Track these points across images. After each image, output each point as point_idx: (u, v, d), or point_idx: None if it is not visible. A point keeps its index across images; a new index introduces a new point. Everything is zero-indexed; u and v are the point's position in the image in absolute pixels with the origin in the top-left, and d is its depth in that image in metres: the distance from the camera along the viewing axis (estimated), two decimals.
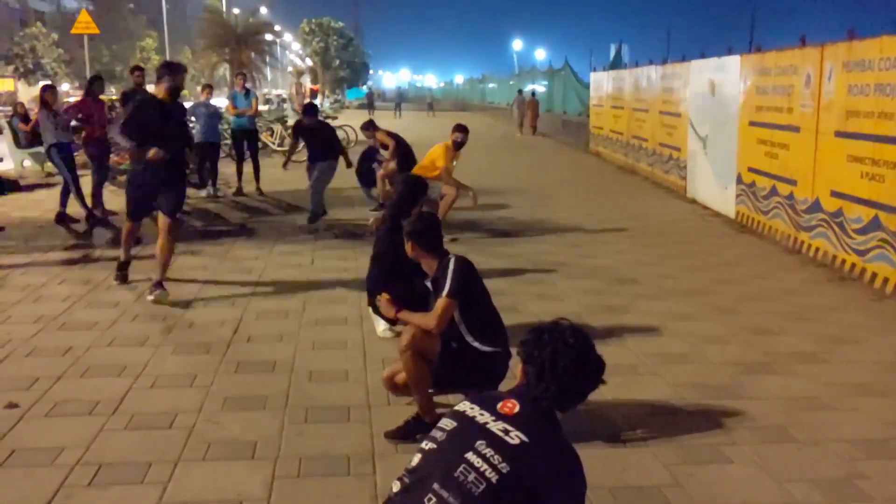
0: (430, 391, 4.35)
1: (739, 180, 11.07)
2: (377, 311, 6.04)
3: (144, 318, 6.57)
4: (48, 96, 10.98)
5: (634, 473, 4.03)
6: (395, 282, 5.70)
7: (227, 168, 15.20)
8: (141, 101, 7.41)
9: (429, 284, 4.43)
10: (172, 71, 7.26)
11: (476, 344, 4.29)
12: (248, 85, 14.47)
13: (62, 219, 10.72)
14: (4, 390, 4.99)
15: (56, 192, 11.35)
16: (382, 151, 11.87)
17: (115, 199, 12.48)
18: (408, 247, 4.47)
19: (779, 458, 4.17)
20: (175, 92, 7.23)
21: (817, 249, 8.77)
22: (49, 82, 12.46)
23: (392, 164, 11.08)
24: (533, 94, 33.18)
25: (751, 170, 10.68)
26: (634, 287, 7.62)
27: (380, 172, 11.44)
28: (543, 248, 9.41)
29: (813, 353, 5.79)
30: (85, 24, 20.01)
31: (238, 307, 6.88)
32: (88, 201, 10.93)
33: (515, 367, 2.65)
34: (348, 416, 4.68)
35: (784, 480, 3.95)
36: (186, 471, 4.01)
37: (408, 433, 4.31)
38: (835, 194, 8.44)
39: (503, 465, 2.29)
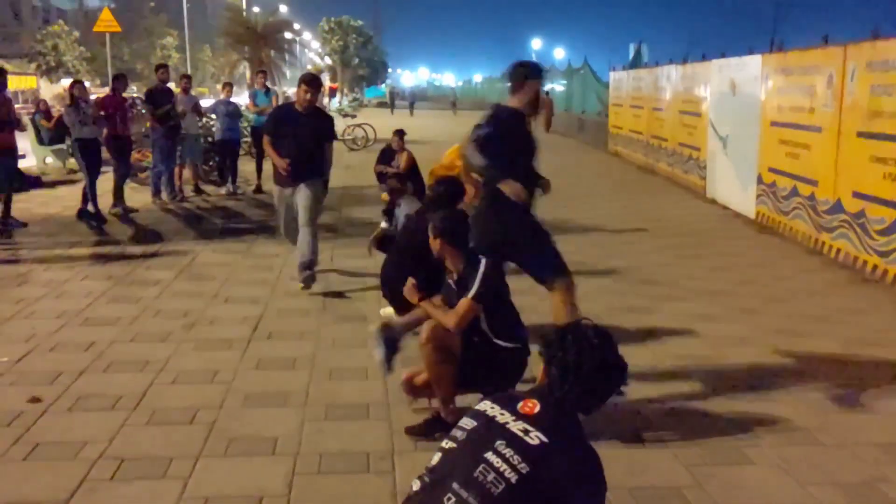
0: (453, 386, 4.33)
1: (760, 180, 10.99)
2: (394, 300, 5.99)
3: (166, 314, 6.61)
4: (78, 91, 11.03)
5: (655, 474, 4.01)
6: (416, 276, 5.69)
7: (246, 166, 15.25)
8: (506, 119, 5.11)
9: (451, 283, 4.42)
10: (536, 74, 5.14)
11: (497, 340, 4.29)
12: (268, 83, 14.54)
13: (83, 215, 10.81)
14: (28, 384, 5.04)
15: (78, 189, 11.44)
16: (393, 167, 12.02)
17: (135, 195, 12.58)
18: (434, 244, 4.39)
19: (802, 461, 4.14)
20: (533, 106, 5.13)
21: (839, 251, 8.70)
22: (74, 79, 12.51)
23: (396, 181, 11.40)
24: (546, 93, 33.25)
25: (771, 170, 10.60)
26: (656, 288, 7.59)
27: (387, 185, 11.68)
28: (563, 248, 9.18)
29: (837, 356, 5.74)
30: (107, 22, 20.13)
31: (259, 304, 6.90)
32: (109, 198, 11.01)
33: (535, 367, 2.64)
34: (368, 413, 4.69)
35: (807, 483, 3.92)
36: (207, 466, 4.04)
37: (428, 431, 4.31)
38: (857, 195, 8.36)
39: (523, 465, 2.28)
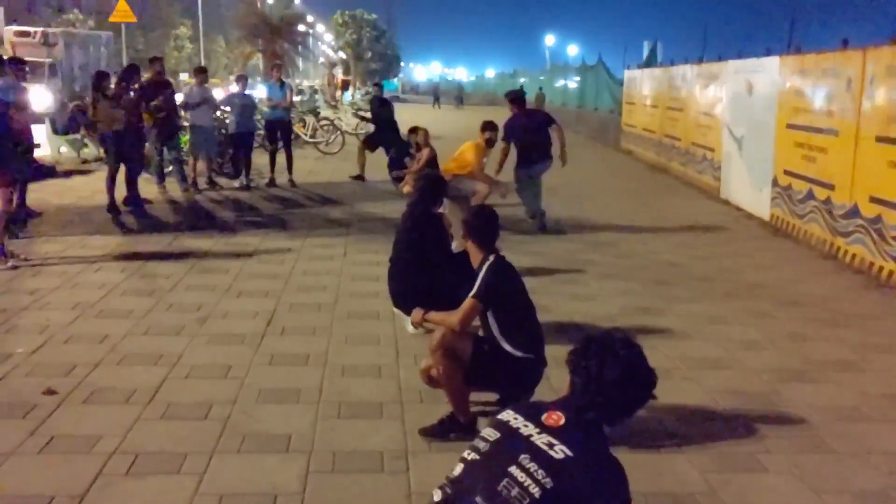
0: (464, 390, 4.33)
1: (775, 183, 10.93)
2: (397, 303, 6.10)
3: (179, 307, 6.62)
4: (106, 83, 10.98)
5: (669, 480, 4.00)
6: (422, 275, 5.75)
7: (260, 158, 15.24)
8: None
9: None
10: None
11: (508, 348, 4.29)
12: (282, 77, 14.54)
13: (132, 201, 10.89)
14: (44, 376, 5.06)
15: (93, 179, 11.44)
16: (413, 159, 12.04)
17: (149, 187, 12.56)
18: (464, 237, 4.56)
19: (815, 469, 4.13)
20: None
21: (854, 256, 8.65)
22: (100, 70, 12.37)
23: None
24: (540, 88, 38.14)
25: (787, 172, 10.54)
26: (669, 289, 7.56)
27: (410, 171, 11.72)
28: (576, 247, 9.36)
29: (851, 362, 5.72)
30: (123, 12, 20.22)
31: (271, 299, 6.91)
32: (123, 189, 11.02)
33: (557, 379, 2.61)
34: (381, 412, 4.69)
35: (821, 491, 3.91)
36: (222, 462, 4.04)
37: (442, 431, 4.31)
38: (874, 200, 8.31)
39: (547, 479, 2.24)
